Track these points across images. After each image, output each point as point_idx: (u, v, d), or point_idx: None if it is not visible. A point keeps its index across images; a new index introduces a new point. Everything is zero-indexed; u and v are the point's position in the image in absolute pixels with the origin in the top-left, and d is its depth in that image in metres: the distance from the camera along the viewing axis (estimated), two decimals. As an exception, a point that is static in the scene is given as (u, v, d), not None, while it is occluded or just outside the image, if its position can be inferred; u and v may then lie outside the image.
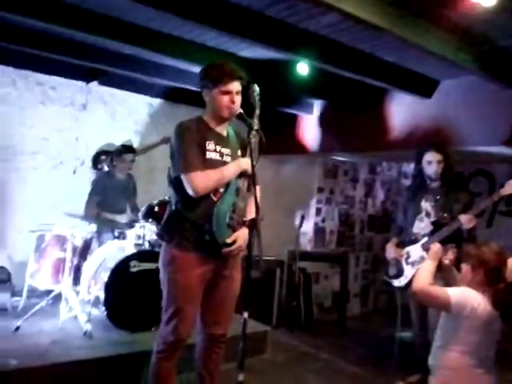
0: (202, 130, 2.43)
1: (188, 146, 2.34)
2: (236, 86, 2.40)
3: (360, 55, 3.71)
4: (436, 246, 2.40)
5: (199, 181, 2.31)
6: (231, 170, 2.41)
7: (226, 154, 2.46)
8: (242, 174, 2.43)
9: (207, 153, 2.39)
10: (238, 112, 2.40)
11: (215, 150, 2.42)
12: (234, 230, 2.38)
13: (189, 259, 2.37)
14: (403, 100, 4.59)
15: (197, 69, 2.55)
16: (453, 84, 4.25)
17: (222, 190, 2.39)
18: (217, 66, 2.45)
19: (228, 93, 2.38)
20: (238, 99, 2.42)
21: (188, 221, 2.39)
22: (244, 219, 2.43)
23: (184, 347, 2.49)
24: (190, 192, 2.32)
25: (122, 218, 4.39)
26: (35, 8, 3.12)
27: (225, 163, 2.42)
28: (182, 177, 2.34)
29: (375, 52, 3.72)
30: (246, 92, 2.43)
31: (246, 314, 2.28)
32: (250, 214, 2.46)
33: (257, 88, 2.39)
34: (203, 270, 2.39)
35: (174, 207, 2.48)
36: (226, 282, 2.50)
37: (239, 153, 2.52)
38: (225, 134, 2.52)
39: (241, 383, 2.24)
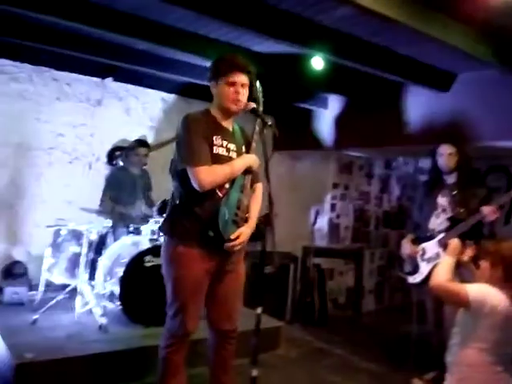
0: (210, 123, 2.41)
1: (195, 139, 2.32)
2: (242, 78, 2.37)
3: (375, 49, 3.67)
4: (454, 242, 2.36)
5: (205, 175, 2.28)
6: (238, 165, 2.39)
7: (233, 150, 2.44)
8: (247, 171, 2.42)
9: (214, 147, 2.36)
10: (251, 107, 2.40)
11: (222, 145, 2.40)
12: (238, 227, 2.37)
13: (192, 254, 2.34)
14: (420, 94, 4.53)
15: (209, 64, 2.56)
16: (471, 77, 4.18)
17: (227, 185, 2.37)
18: (224, 59, 2.44)
19: (233, 84, 2.36)
20: (244, 92, 2.39)
21: (192, 215, 2.35)
22: (246, 215, 2.42)
23: (197, 342, 2.49)
24: (196, 186, 2.29)
25: (136, 212, 4.40)
26: (51, 5, 3.15)
27: (231, 159, 2.41)
28: (189, 170, 2.31)
29: (391, 45, 3.67)
30: (250, 89, 2.43)
31: (259, 310, 2.27)
32: (253, 210, 2.47)
33: (259, 84, 2.42)
34: (206, 265, 2.37)
35: (177, 200, 2.43)
36: (229, 276, 2.49)
37: (243, 149, 2.50)
38: (231, 129, 2.50)
39: (254, 378, 2.25)
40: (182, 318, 2.39)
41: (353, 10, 2.86)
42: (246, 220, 2.42)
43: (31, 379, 2.90)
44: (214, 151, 2.36)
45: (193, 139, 2.32)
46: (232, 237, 2.34)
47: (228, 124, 2.49)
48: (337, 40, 3.49)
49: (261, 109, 2.41)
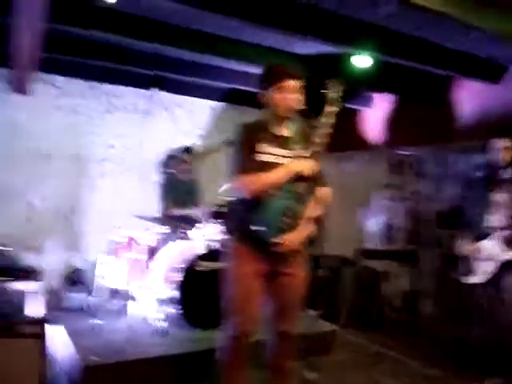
0: (259, 131, 2.45)
1: (239, 149, 2.42)
2: (292, 83, 2.40)
3: (422, 43, 3.58)
4: None
5: (243, 184, 2.39)
6: (279, 175, 2.40)
7: (282, 156, 2.45)
8: (300, 177, 2.41)
9: (259, 155, 2.41)
10: (300, 109, 2.41)
11: (270, 153, 2.43)
12: (285, 232, 2.37)
13: (242, 254, 2.44)
14: (470, 87, 4.37)
15: (254, 69, 2.59)
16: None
17: (275, 192, 2.38)
18: (272, 67, 2.51)
19: (284, 91, 2.39)
20: (295, 97, 2.41)
21: (241, 219, 2.46)
22: (299, 221, 2.41)
23: (256, 344, 2.49)
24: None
25: (188, 218, 4.47)
26: (99, 21, 3.30)
27: (279, 165, 2.42)
28: (232, 178, 2.44)
29: (438, 39, 3.58)
30: (320, 89, 2.44)
31: (313, 313, 2.26)
32: (306, 216, 2.45)
33: (337, 85, 2.44)
34: (257, 266, 2.43)
35: (233, 205, 2.60)
36: (285, 278, 2.50)
37: (302, 151, 2.48)
38: (285, 133, 2.50)
39: (309, 381, 2.24)
40: (234, 318, 2.43)
41: (397, 5, 2.82)
42: (298, 225, 2.41)
43: (97, 381, 2.99)
44: (261, 159, 2.41)
45: (238, 149, 2.43)
46: (276, 241, 2.35)
47: (281, 129, 2.49)
48: (384, 37, 3.45)
49: (329, 109, 2.43)
